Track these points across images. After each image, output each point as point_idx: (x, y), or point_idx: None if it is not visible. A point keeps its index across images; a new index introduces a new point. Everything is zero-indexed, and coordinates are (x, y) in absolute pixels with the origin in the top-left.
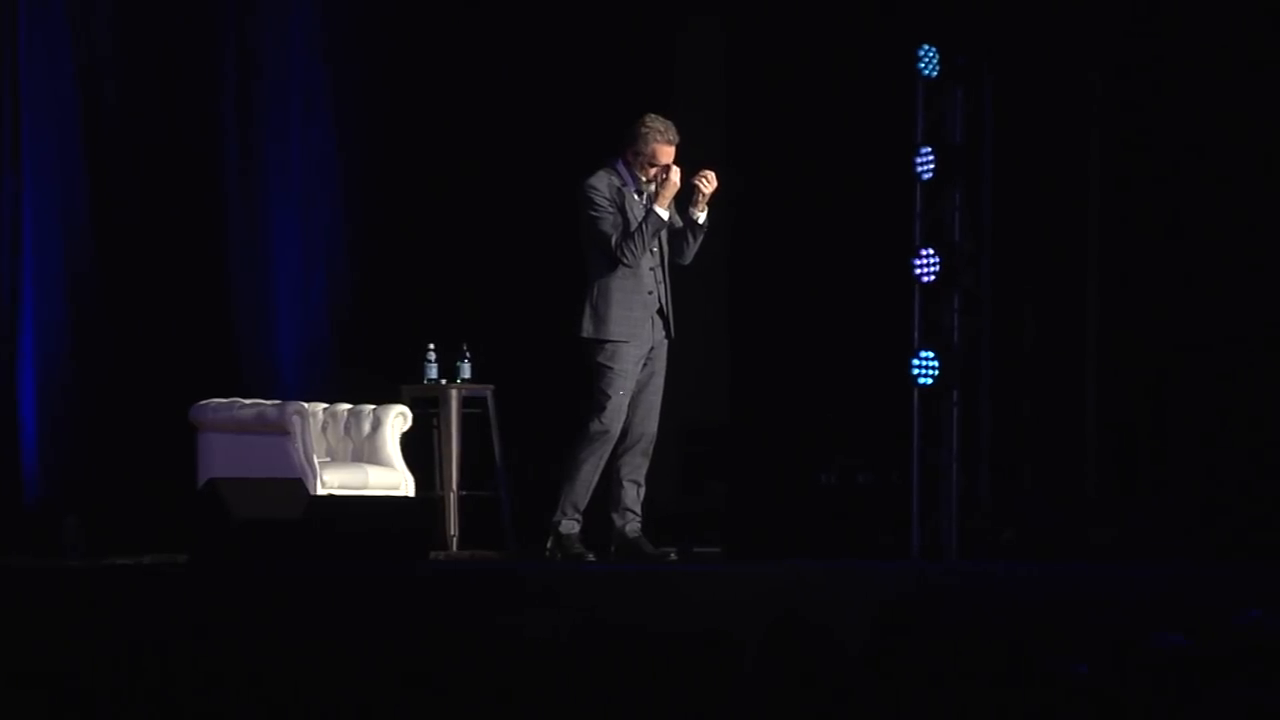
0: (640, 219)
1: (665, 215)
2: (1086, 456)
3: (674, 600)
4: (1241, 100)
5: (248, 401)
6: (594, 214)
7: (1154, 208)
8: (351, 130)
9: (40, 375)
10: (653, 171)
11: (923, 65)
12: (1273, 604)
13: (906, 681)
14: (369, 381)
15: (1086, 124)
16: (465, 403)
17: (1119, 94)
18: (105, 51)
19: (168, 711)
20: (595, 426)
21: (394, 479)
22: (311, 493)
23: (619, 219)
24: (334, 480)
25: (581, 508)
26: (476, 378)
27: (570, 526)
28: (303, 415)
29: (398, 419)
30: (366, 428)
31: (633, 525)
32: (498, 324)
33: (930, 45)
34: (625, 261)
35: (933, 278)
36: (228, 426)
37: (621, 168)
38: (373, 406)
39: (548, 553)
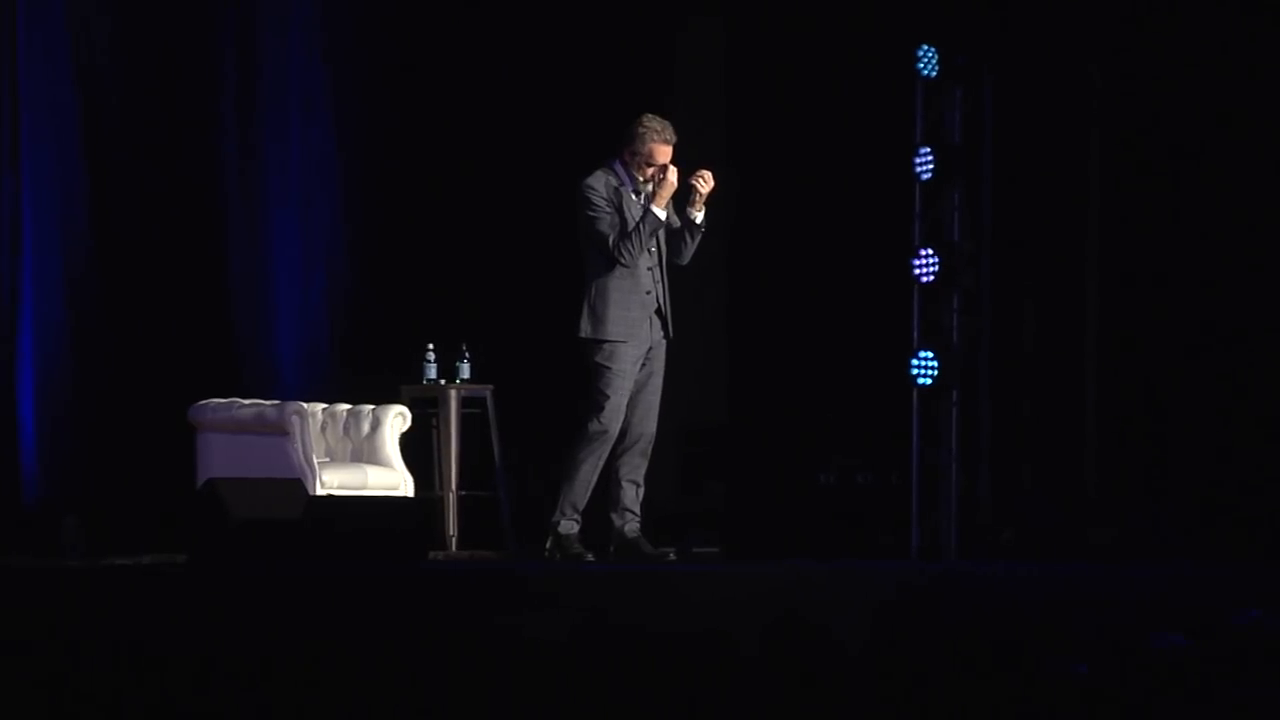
0: (638, 219)
1: (662, 215)
2: (1086, 456)
3: (673, 600)
4: (1241, 100)
5: (247, 402)
6: (591, 214)
7: (1154, 207)
8: (351, 130)
9: (40, 375)
10: (650, 171)
11: (922, 65)
12: (1272, 604)
13: (906, 681)
14: (368, 381)
15: (1086, 124)
16: (464, 403)
17: (1119, 93)
18: (105, 52)
19: (168, 711)
20: (594, 426)
21: (393, 479)
22: (310, 493)
23: (616, 219)
24: (333, 480)
25: (580, 508)
26: (476, 378)
27: (569, 527)
28: (302, 415)
29: (397, 419)
30: (366, 428)
31: (632, 525)
32: (497, 324)
33: (929, 45)
34: (622, 261)
35: (932, 278)
36: (227, 427)
37: (619, 168)
38: (372, 407)
39: (547, 553)
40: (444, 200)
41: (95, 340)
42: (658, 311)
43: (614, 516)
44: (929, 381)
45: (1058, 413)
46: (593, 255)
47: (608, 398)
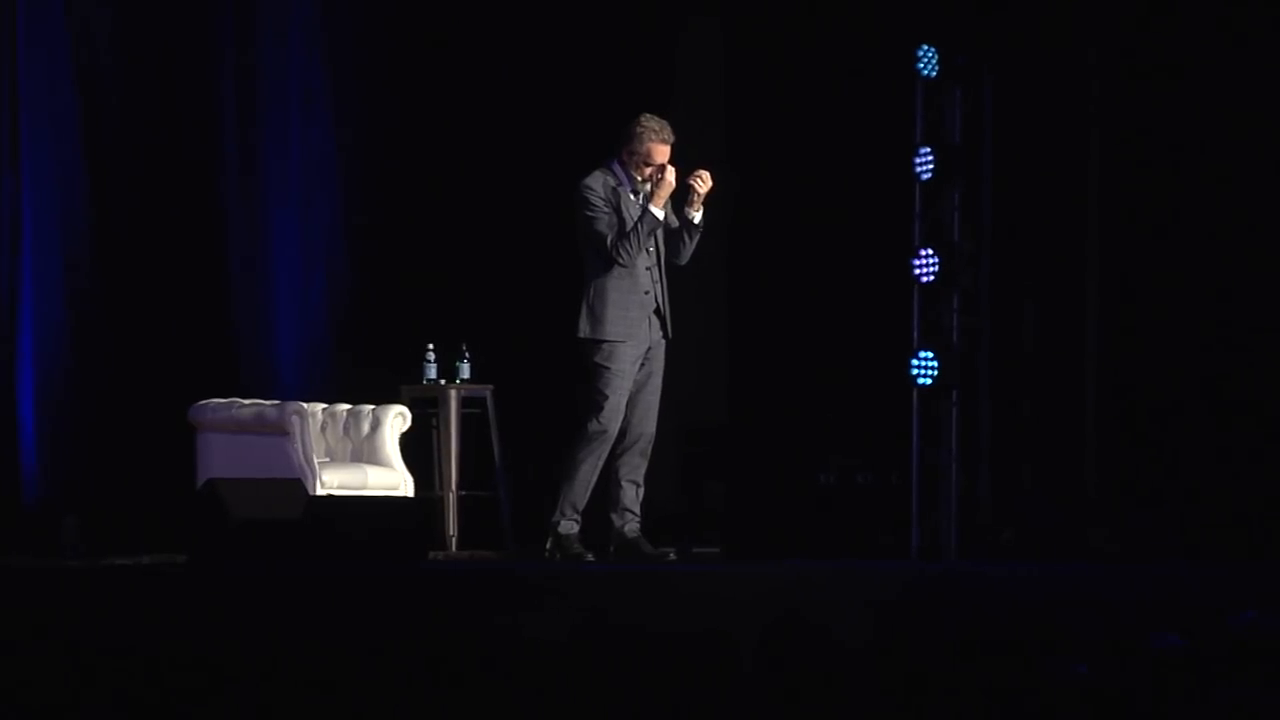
0: (636, 219)
1: (660, 215)
2: (1086, 456)
3: (673, 600)
4: (1242, 99)
5: (247, 402)
6: (589, 214)
7: (1154, 207)
8: (351, 130)
9: (40, 375)
10: (648, 171)
11: (922, 65)
12: (1268, 605)
13: (906, 682)
14: (368, 381)
15: (1086, 124)
16: (464, 403)
17: (1119, 94)
18: (105, 52)
19: (168, 711)
20: (593, 427)
21: (393, 479)
22: (310, 493)
23: (614, 219)
24: (333, 480)
25: (580, 508)
26: (476, 378)
27: (569, 527)
28: (302, 415)
29: (397, 419)
30: (366, 428)
31: (632, 525)
32: (497, 324)
33: (929, 45)
34: (621, 261)
35: (932, 278)
36: (227, 427)
37: (617, 168)
38: (372, 407)
39: (547, 553)
40: (444, 200)
41: (95, 340)
42: (656, 311)
43: (614, 516)
44: (929, 381)
45: (1058, 413)
46: (591, 255)
47: (607, 398)
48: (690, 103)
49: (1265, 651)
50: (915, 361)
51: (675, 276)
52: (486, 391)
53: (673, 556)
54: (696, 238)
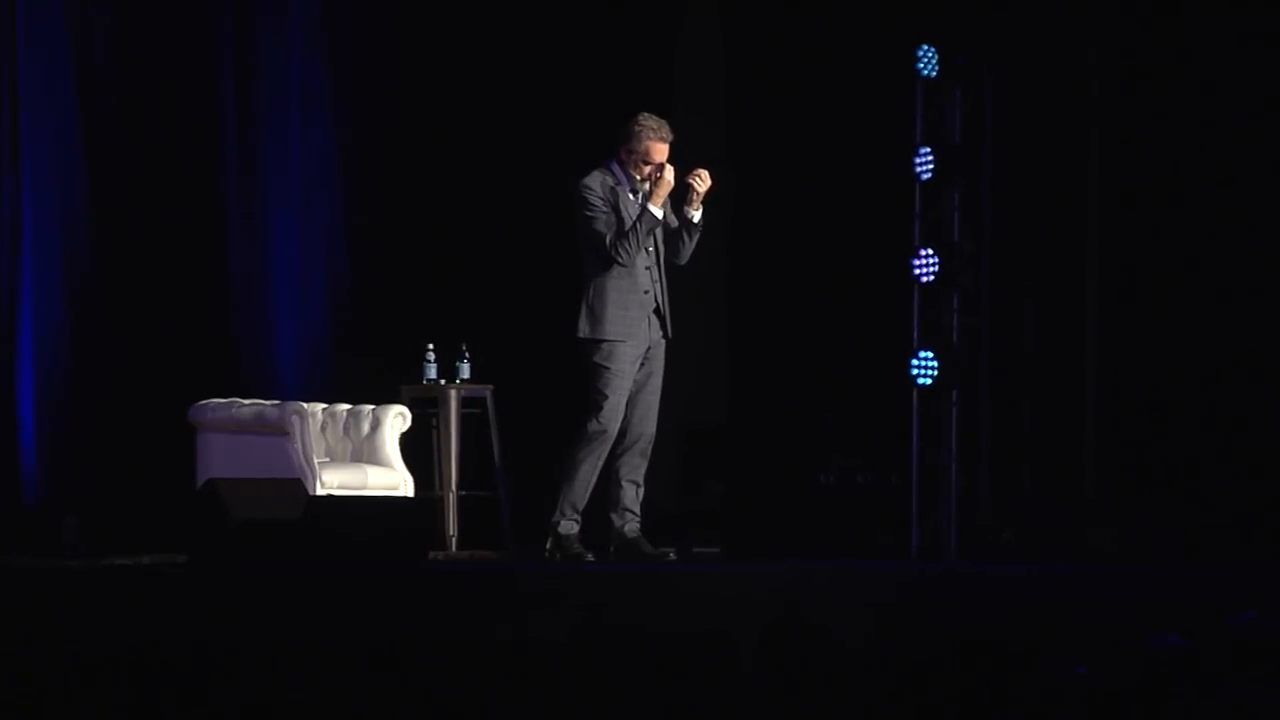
0: (635, 218)
1: (659, 214)
2: (1086, 456)
3: (673, 600)
4: (1242, 99)
5: (247, 402)
6: (588, 214)
7: (1154, 208)
8: (351, 130)
9: (40, 375)
10: (647, 170)
11: (922, 65)
12: (1268, 605)
13: (906, 681)
14: (368, 382)
15: (1086, 124)
16: (464, 403)
17: (1119, 94)
18: (105, 52)
19: (167, 711)
20: (593, 426)
21: (393, 479)
22: (310, 493)
23: (613, 218)
24: (333, 480)
25: (580, 508)
26: (476, 378)
27: (569, 527)
28: (302, 415)
29: (397, 419)
30: (366, 428)
31: (632, 525)
32: (497, 324)
33: (929, 45)
34: (620, 261)
35: (932, 278)
36: (227, 426)
37: (616, 167)
38: (372, 407)
39: (547, 553)
40: (444, 200)
41: (95, 340)
42: (656, 311)
43: (614, 516)
44: (929, 381)
45: (1058, 413)
46: (590, 255)
47: (606, 397)
48: (690, 103)
49: (1265, 651)
50: (915, 361)
51: (675, 276)
52: (486, 391)
53: (673, 556)
54: (696, 237)
